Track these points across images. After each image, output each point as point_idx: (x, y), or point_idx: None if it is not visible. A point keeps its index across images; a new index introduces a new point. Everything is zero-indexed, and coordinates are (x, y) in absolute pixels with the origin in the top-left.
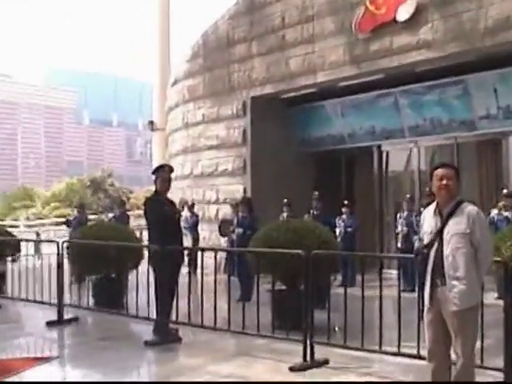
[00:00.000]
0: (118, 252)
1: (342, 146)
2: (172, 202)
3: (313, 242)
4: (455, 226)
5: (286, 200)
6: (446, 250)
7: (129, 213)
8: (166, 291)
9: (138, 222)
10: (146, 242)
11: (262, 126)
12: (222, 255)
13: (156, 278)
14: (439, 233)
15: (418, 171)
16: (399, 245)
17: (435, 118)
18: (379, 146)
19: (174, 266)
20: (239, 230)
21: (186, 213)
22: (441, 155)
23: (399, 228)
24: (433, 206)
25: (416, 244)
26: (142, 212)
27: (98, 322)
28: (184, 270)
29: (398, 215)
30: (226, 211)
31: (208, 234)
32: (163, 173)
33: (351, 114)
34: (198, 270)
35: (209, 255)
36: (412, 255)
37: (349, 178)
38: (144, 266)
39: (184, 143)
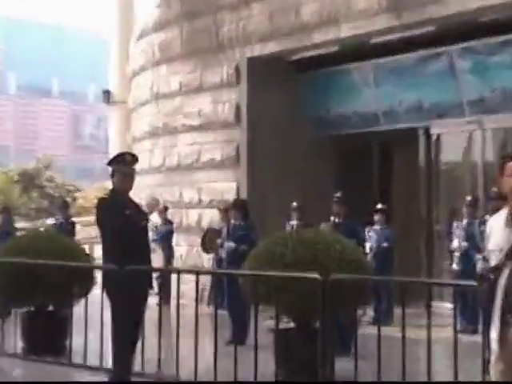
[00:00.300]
0: (60, 274)
1: (375, 128)
2: (136, 205)
3: (332, 261)
4: None
5: (295, 203)
6: None
7: (74, 219)
8: (126, 330)
9: (87, 233)
10: (99, 261)
11: (262, 99)
12: (205, 279)
13: (113, 312)
14: None
15: (483, 163)
16: (455, 266)
17: (508, 88)
18: (427, 129)
19: (139, 295)
20: (230, 245)
21: (155, 220)
22: None
23: (455, 243)
24: (504, 213)
25: (479, 266)
26: (93, 218)
27: (28, 374)
28: (152, 299)
29: (455, 225)
30: (211, 218)
31: (186, 249)
32: (124, 164)
33: (388, 82)
34: (173, 301)
35: (188, 279)
36: (474, 282)
37: (383, 172)
38: (96, 294)
39: (153, 122)
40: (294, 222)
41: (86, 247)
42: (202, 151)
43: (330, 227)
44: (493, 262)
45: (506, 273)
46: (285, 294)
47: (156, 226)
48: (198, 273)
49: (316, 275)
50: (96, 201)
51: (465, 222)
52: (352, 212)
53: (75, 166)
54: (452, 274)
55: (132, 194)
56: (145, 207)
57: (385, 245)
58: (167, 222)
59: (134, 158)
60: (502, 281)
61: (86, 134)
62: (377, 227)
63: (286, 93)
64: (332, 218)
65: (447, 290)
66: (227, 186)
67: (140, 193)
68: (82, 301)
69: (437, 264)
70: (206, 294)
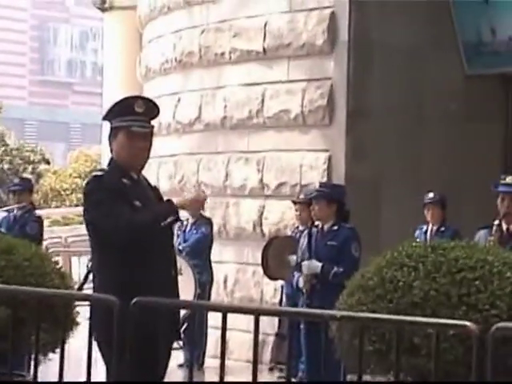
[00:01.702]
0: (15, 309)
1: None
2: (154, 192)
3: (499, 298)
4: None
5: (431, 194)
6: None
7: (42, 212)
8: None
9: (63, 234)
10: (87, 289)
11: (374, 0)
12: (270, 324)
13: (109, 380)
14: None
15: None
16: None
17: None
18: None
19: (155, 349)
20: (313, 264)
21: (183, 215)
22: None
23: None
24: None
25: None
26: (75, 210)
27: None
28: (177, 357)
29: None
30: (281, 216)
31: (235, 269)
32: (133, 117)
33: None
34: (210, 361)
35: (239, 323)
36: None
37: None
38: (78, 346)
39: (184, 44)
40: (428, 227)
41: (61, 260)
42: (266, 96)
43: (493, 238)
44: None
45: None
46: (413, 356)
47: (182, 228)
48: (258, 313)
49: (468, 323)
50: (82, 182)
51: None
52: None
53: (41, 117)
54: None
55: (146, 172)
56: (174, 195)
57: None
58: (203, 221)
59: (151, 107)
60: None
61: (59, 61)
62: None
63: (421, 1)
64: (496, 222)
65: None
66: (310, 160)
67: (159, 170)
68: (57, 354)
69: None
70: (269, 349)
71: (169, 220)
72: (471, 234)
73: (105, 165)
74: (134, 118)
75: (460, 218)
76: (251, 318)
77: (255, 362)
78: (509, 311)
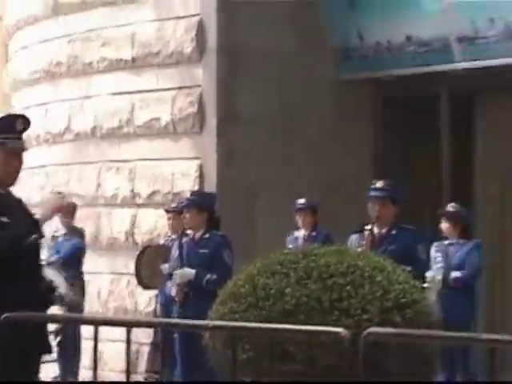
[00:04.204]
0: None
1: (445, 67)
2: (21, 207)
3: (370, 303)
4: None
5: (303, 199)
6: None
7: None
8: None
9: None
10: None
11: (246, 14)
12: (143, 335)
13: None
14: None
15: None
16: None
17: None
18: None
19: (23, 363)
20: (186, 272)
21: (53, 227)
22: None
23: None
24: None
25: None
26: None
27: None
28: (49, 369)
29: None
30: (154, 225)
31: (109, 280)
32: (12, 135)
33: None
34: (84, 372)
35: (112, 335)
36: None
37: (460, 143)
38: None
39: (52, 54)
40: (301, 233)
41: None
42: (135, 105)
43: (364, 243)
44: None
45: None
46: (285, 363)
47: (55, 237)
48: (129, 325)
49: (340, 329)
50: None
51: None
52: (407, 214)
53: None
54: None
55: (18, 183)
56: (39, 210)
57: (461, 275)
58: (74, 231)
59: (28, 125)
60: None
61: None
62: (452, 243)
63: (290, 7)
64: (368, 227)
65: None
66: (182, 168)
67: (30, 181)
68: None
69: None
70: (144, 359)
71: (31, 239)
72: (345, 238)
73: None
74: (13, 135)
75: (334, 222)
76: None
77: (128, 372)
78: (380, 315)
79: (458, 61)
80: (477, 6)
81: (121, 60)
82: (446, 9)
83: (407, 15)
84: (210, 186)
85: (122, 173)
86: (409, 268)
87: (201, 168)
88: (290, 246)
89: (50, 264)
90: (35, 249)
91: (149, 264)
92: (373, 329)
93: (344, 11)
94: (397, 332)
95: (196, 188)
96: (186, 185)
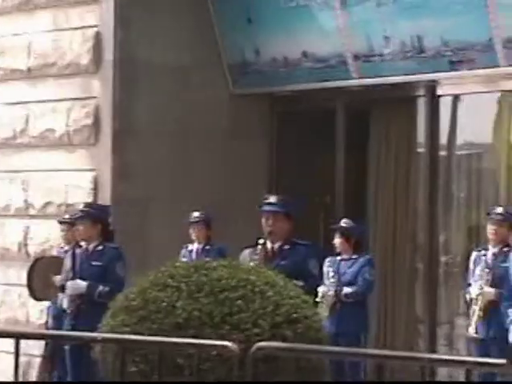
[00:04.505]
0: None
1: (341, 83)
2: None
3: (262, 318)
4: None
5: (197, 213)
6: None
7: None
8: None
9: None
10: None
11: (142, 29)
12: (34, 347)
13: None
14: None
15: None
16: (471, 330)
17: None
18: (432, 86)
19: None
20: (78, 284)
21: None
22: None
23: (474, 288)
24: None
25: None
26: None
27: None
28: None
29: (474, 256)
30: (47, 237)
31: (1, 291)
32: None
33: (365, 3)
34: None
35: (3, 346)
36: (504, 360)
37: (355, 158)
38: None
39: None
40: (194, 246)
41: None
42: (30, 115)
43: (257, 257)
44: None
45: None
46: (180, 376)
47: None
48: (19, 336)
49: (229, 343)
50: None
51: (491, 251)
52: (300, 229)
53: None
54: (469, 342)
55: None
56: None
57: (352, 290)
58: None
59: None
60: None
61: None
62: (343, 259)
63: (182, 13)
64: (261, 241)
65: (459, 371)
66: (76, 180)
67: None
68: None
69: (443, 324)
70: (37, 371)
71: None
72: (239, 252)
73: None
74: None
75: (229, 236)
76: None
77: None
78: (271, 330)
79: (353, 77)
80: (373, 25)
81: (16, 70)
82: (342, 26)
83: (304, 32)
84: (105, 198)
85: (15, 183)
86: (301, 283)
87: (95, 180)
88: (184, 259)
89: None
90: None
91: (41, 275)
92: (262, 343)
93: (241, 26)
94: (286, 346)
95: (90, 200)
96: (80, 196)
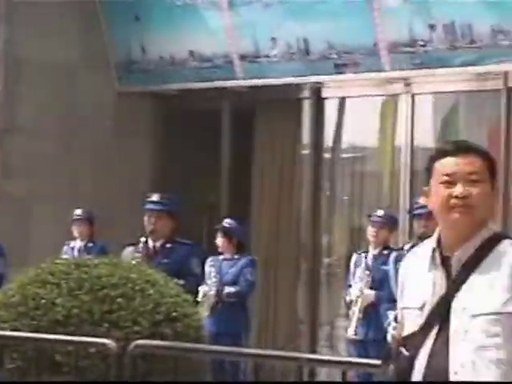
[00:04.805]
0: None
1: (227, 83)
2: None
3: (142, 315)
4: (482, 296)
5: (79, 210)
6: (459, 351)
7: None
8: None
9: None
10: None
11: (24, 17)
12: None
13: None
14: (443, 308)
15: (411, 150)
16: (351, 332)
17: (461, 22)
18: (317, 89)
19: None
20: None
21: None
22: (468, 115)
23: (354, 290)
24: (429, 245)
25: (391, 332)
26: None
27: None
28: None
29: (354, 258)
30: None
31: None
32: None
33: (252, 3)
34: None
35: None
36: (378, 361)
37: (239, 159)
38: None
39: None
40: (77, 244)
41: None
42: None
43: (139, 255)
44: (408, 328)
45: (427, 347)
46: (59, 373)
47: None
48: None
49: (108, 341)
50: None
51: (371, 253)
52: (187, 227)
53: None
54: (349, 343)
55: None
56: None
57: (233, 291)
58: None
59: None
60: (423, 357)
61: None
62: (223, 257)
63: (74, 19)
64: (143, 239)
65: (337, 370)
66: None
67: None
68: None
69: (324, 325)
70: None
71: None
72: (121, 250)
73: None
74: None
75: (112, 234)
76: None
77: None
78: (150, 328)
79: (240, 77)
80: (260, 26)
81: None
82: (228, 27)
83: (191, 31)
84: None
85: None
86: (182, 281)
87: None
88: (66, 256)
89: None
90: None
91: None
92: (140, 341)
93: (128, 24)
94: (164, 344)
95: None
96: None
